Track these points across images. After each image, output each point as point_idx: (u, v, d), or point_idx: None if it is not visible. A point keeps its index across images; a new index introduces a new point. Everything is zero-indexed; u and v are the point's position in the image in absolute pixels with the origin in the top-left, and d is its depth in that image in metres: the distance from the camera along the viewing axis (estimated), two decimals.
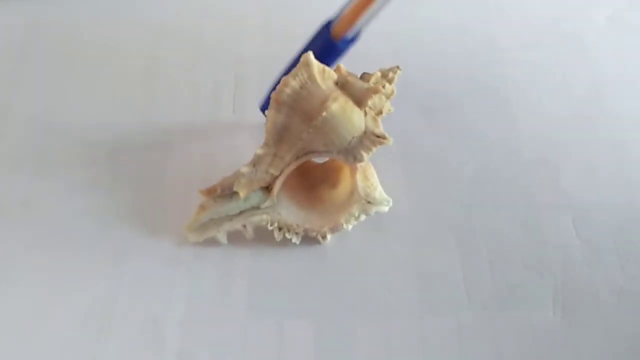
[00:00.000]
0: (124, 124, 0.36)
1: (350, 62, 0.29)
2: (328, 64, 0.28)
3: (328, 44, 0.30)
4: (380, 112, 0.28)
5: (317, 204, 0.31)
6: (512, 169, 0.35)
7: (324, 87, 0.27)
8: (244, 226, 0.31)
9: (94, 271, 0.31)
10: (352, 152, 0.28)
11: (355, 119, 0.27)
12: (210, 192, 0.30)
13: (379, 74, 0.28)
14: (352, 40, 0.30)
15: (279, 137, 0.28)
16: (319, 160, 0.31)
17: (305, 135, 0.27)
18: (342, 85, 0.28)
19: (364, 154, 0.28)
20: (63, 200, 0.33)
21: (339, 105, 0.27)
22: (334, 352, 0.29)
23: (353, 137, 0.27)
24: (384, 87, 0.28)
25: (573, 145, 0.35)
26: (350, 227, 0.31)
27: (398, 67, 0.28)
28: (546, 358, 0.29)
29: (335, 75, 0.28)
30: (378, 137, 0.27)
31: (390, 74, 0.28)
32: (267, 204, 0.30)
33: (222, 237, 0.31)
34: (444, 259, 0.32)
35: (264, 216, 0.30)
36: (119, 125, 0.36)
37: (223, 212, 0.30)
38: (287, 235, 0.31)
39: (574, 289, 0.31)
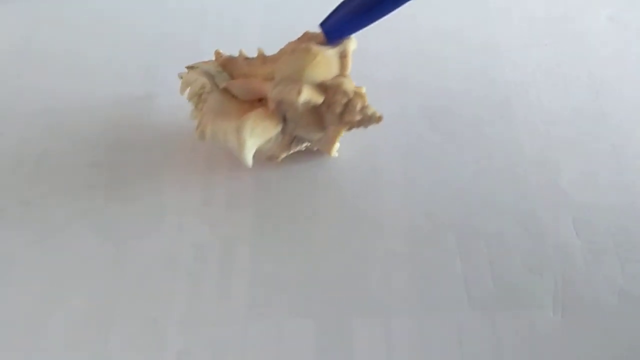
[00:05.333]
0: (124, 123, 0.36)
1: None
2: None
3: None
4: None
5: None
6: (512, 169, 0.35)
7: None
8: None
9: (94, 271, 0.31)
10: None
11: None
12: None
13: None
14: None
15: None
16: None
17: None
18: None
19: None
20: (63, 201, 0.33)
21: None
22: (334, 352, 0.29)
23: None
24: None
25: (573, 145, 0.35)
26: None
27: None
28: (546, 358, 0.29)
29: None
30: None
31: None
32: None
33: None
34: (444, 259, 0.32)
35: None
36: (118, 125, 0.36)
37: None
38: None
39: (574, 289, 0.31)
